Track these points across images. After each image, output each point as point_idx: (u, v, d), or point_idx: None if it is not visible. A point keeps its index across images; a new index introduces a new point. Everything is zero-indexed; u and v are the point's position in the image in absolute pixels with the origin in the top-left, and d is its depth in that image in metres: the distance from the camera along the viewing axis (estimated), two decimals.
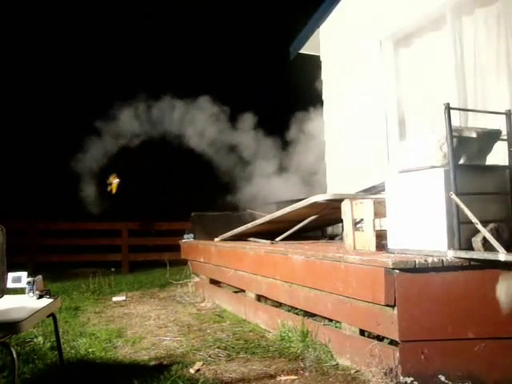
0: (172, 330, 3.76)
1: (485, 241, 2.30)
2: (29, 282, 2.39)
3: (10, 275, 2.42)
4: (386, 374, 2.37)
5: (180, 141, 7.86)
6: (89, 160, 8.06)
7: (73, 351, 3.15)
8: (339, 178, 5.81)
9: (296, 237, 4.32)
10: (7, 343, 1.96)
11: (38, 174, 10.66)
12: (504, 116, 2.70)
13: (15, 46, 10.90)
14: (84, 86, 10.53)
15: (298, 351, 2.92)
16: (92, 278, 6.08)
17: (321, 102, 6.31)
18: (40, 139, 10.63)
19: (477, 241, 2.35)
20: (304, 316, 3.23)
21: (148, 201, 10.66)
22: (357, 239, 3.13)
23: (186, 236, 5.92)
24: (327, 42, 6.17)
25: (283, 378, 2.54)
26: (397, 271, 2.33)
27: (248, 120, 7.84)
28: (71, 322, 4.09)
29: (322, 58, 6.28)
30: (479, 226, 2.28)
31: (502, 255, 2.12)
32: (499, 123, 2.75)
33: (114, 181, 7.29)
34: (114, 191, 7.33)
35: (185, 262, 5.85)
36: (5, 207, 7.53)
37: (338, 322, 2.92)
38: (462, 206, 2.31)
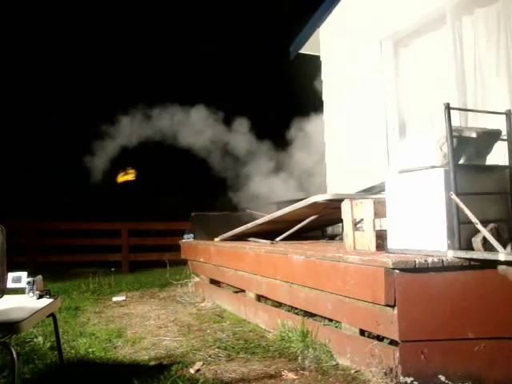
0: (172, 330, 3.76)
1: (485, 241, 2.30)
2: (29, 282, 2.39)
3: (10, 275, 2.42)
4: (386, 374, 2.37)
5: (177, 141, 7.85)
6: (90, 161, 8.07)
7: (73, 351, 3.15)
8: (339, 178, 5.81)
9: (296, 237, 4.32)
10: (7, 343, 1.96)
11: (38, 175, 10.67)
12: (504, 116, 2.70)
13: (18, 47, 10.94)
14: (82, 88, 10.56)
15: (298, 351, 2.92)
16: (92, 278, 6.08)
17: (321, 102, 6.31)
18: (40, 140, 10.64)
19: (477, 241, 2.35)
20: (304, 316, 3.23)
21: (148, 201, 10.68)
22: (357, 239, 3.13)
23: (185, 236, 5.92)
24: (327, 42, 6.17)
25: (283, 378, 2.54)
26: (397, 271, 2.33)
27: (247, 120, 7.83)
28: (71, 322, 4.09)
29: (321, 58, 6.28)
30: (479, 226, 2.28)
31: (502, 255, 2.12)
32: (499, 123, 2.75)
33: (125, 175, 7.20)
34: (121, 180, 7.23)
35: (185, 262, 5.84)
36: (5, 207, 7.54)
37: (338, 321, 2.92)
38: (462, 205, 2.31)
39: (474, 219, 2.28)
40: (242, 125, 7.80)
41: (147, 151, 8.88)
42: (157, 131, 7.83)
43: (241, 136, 7.73)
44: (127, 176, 7.46)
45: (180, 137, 7.72)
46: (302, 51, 6.72)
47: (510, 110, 2.68)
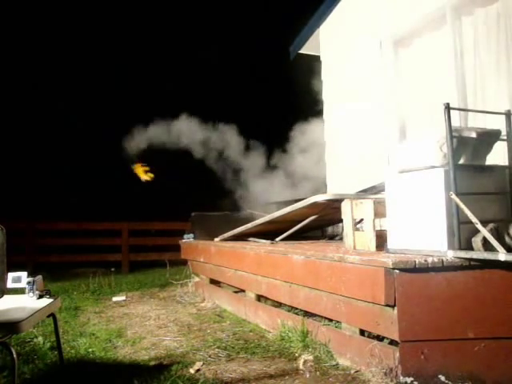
0: (172, 330, 3.76)
1: (485, 241, 2.30)
2: (29, 282, 2.40)
3: (10, 275, 2.42)
4: (386, 374, 2.37)
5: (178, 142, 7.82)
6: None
7: (73, 351, 3.15)
8: (339, 178, 5.81)
9: (296, 237, 4.32)
10: (7, 343, 1.96)
11: (38, 175, 10.67)
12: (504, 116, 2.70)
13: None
14: (81, 89, 10.58)
15: (298, 351, 2.92)
16: (92, 278, 6.09)
17: (321, 102, 6.31)
18: (40, 140, 10.64)
19: (477, 241, 2.35)
20: (304, 316, 3.23)
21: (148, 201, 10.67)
22: (357, 239, 3.13)
23: (185, 236, 5.92)
24: (327, 41, 6.17)
25: (283, 377, 2.54)
26: (397, 271, 2.33)
27: (246, 119, 7.80)
28: (71, 322, 4.09)
29: (321, 58, 6.28)
30: (479, 226, 2.28)
31: (502, 255, 2.12)
32: (499, 123, 2.75)
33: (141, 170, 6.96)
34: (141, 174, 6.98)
35: (185, 262, 5.85)
36: (5, 207, 7.54)
37: (338, 322, 2.92)
38: (462, 205, 2.31)
39: (473, 219, 2.28)
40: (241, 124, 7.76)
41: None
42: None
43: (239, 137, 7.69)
44: (144, 174, 7.14)
45: (180, 139, 7.70)
46: (302, 51, 6.72)
47: (509, 110, 2.68)
